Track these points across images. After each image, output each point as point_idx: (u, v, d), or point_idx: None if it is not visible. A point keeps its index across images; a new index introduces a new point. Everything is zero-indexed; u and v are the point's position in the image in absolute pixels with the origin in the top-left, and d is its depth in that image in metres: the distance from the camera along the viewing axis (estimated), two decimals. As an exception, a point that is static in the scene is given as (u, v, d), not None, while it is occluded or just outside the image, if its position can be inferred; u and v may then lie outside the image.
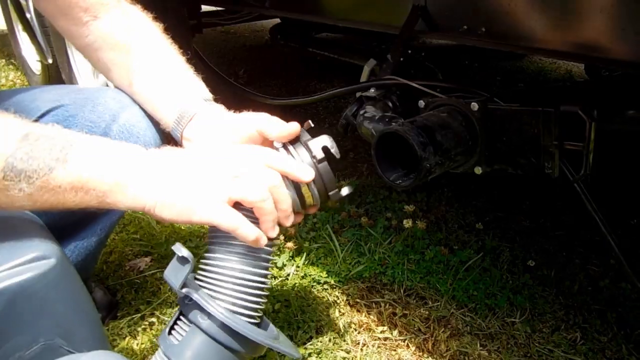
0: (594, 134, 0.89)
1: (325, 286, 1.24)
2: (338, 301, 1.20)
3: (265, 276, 0.77)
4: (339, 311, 1.17)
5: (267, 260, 0.77)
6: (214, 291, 0.74)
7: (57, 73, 1.98)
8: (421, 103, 1.07)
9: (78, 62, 1.93)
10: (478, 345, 1.10)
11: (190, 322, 0.73)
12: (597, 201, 0.99)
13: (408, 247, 1.34)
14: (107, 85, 1.53)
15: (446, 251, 1.31)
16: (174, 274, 0.71)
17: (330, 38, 1.87)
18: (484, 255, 1.33)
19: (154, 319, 1.14)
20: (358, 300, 1.20)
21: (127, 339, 1.10)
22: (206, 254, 0.76)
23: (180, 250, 0.70)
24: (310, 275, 1.26)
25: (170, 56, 0.90)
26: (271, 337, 0.78)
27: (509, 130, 0.96)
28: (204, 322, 0.72)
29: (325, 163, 0.78)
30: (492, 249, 1.36)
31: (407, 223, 1.32)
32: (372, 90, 1.15)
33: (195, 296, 0.72)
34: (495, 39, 1.02)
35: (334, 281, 1.24)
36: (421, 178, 0.93)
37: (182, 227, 1.45)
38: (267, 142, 0.79)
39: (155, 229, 1.45)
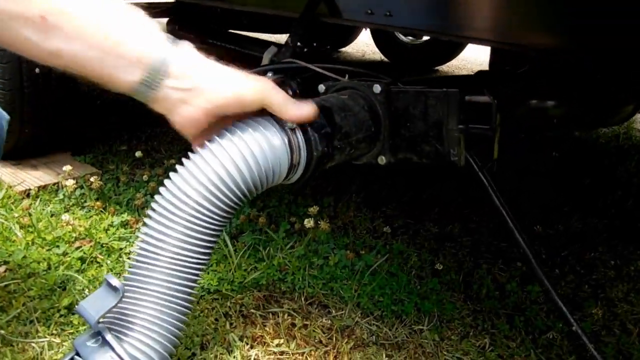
0: (499, 118, 0.84)
1: (216, 295, 1.09)
2: (230, 312, 1.05)
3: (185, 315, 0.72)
4: (230, 324, 1.02)
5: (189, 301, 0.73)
6: (125, 335, 0.67)
7: None
8: (321, 87, 0.97)
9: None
10: (384, 356, 0.99)
11: None
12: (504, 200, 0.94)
13: (311, 251, 1.23)
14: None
15: (352, 255, 1.21)
16: (93, 305, 0.64)
17: (232, 32, 1.76)
18: (391, 259, 1.24)
19: (-4, 340, 0.93)
20: (253, 310, 1.06)
21: (-42, 366, 0.88)
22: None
23: (111, 279, 0.65)
24: (198, 284, 1.10)
25: None
26: None
27: (413, 114, 0.89)
28: None
29: None
30: (399, 253, 1.28)
31: (309, 223, 1.21)
32: (269, 74, 1.04)
33: (109, 338, 0.65)
34: (400, 23, 0.96)
35: (226, 290, 1.10)
36: (312, 169, 0.82)
37: (48, 233, 1.24)
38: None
39: (17, 236, 1.23)
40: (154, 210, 0.73)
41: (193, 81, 0.66)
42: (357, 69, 1.01)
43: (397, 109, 0.90)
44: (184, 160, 0.76)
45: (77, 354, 0.67)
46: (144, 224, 0.73)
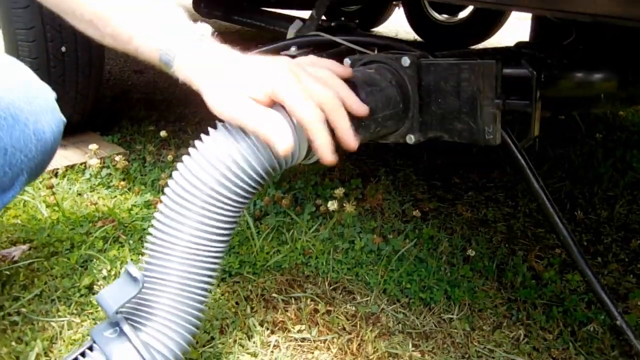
0: (539, 92, 0.77)
1: (237, 279, 1.06)
2: (251, 296, 1.02)
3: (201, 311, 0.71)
4: (251, 308, 0.99)
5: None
6: (143, 325, 0.66)
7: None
8: (346, 61, 0.91)
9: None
10: (410, 345, 0.95)
11: (106, 358, 0.64)
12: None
13: (336, 235, 1.19)
14: None
15: (379, 240, 1.16)
16: (113, 295, 0.63)
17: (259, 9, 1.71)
18: (420, 244, 1.19)
19: (18, 318, 0.93)
20: (275, 295, 1.03)
21: (-20, 342, 0.88)
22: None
23: (132, 269, 0.64)
24: (219, 266, 1.08)
25: None
26: None
27: (445, 89, 0.82)
28: None
29: None
30: (429, 238, 1.22)
31: (333, 206, 1.16)
32: (293, 49, 0.99)
33: (126, 329, 0.64)
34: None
35: (248, 273, 1.07)
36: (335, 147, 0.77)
37: (73, 213, 1.24)
38: None
39: (43, 214, 1.23)
40: (167, 196, 0.70)
41: (193, 83, 0.67)
42: (386, 41, 0.95)
43: (428, 84, 0.84)
44: (196, 142, 0.72)
45: (94, 343, 0.66)
46: (158, 210, 0.71)
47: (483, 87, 0.77)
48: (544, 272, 1.16)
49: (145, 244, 0.70)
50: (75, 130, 1.78)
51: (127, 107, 2.12)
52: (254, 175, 0.70)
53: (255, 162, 0.69)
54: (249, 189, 0.70)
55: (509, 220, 1.39)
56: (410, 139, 0.87)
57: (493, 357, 0.94)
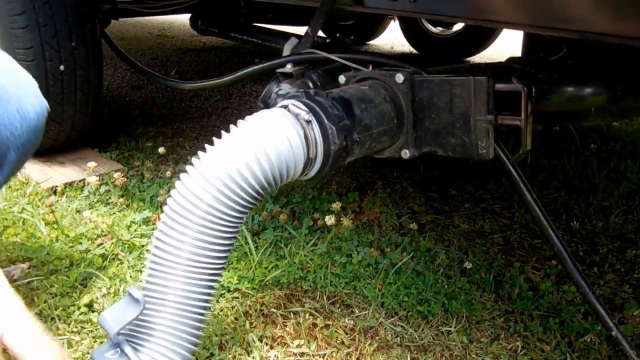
0: (530, 107, 0.78)
1: (236, 294, 1.06)
2: (249, 311, 1.02)
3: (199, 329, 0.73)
4: (250, 323, 1.00)
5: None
6: (143, 345, 0.68)
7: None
8: (342, 78, 0.93)
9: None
10: (409, 358, 0.95)
11: None
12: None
13: (334, 249, 1.19)
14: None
15: (376, 253, 1.17)
16: (115, 317, 0.66)
17: (255, 26, 1.73)
18: (417, 257, 1.19)
19: (18, 337, 0.93)
20: (273, 309, 1.03)
21: (-20, 362, 0.88)
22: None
23: (134, 291, 0.66)
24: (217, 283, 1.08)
25: None
26: None
27: (438, 105, 0.84)
28: None
29: None
30: (426, 250, 1.23)
31: (330, 220, 1.17)
32: (288, 66, 1.01)
33: (127, 350, 0.66)
34: (426, 9, 0.91)
35: (246, 288, 1.07)
36: (330, 164, 0.78)
37: (72, 230, 1.24)
38: None
39: (42, 232, 1.23)
40: (167, 215, 0.71)
41: None
42: (380, 58, 0.96)
43: (421, 100, 0.86)
44: (193, 160, 0.73)
45: None
46: (158, 230, 0.72)
47: (475, 102, 0.79)
48: (541, 283, 1.16)
49: (146, 263, 0.71)
50: (73, 147, 1.79)
51: (125, 123, 2.13)
52: (250, 190, 0.71)
53: (251, 177, 0.70)
54: (246, 204, 0.72)
55: (505, 232, 1.40)
56: (405, 153, 0.89)
57: (491, 370, 0.95)
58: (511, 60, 0.99)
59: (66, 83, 1.64)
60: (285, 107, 0.77)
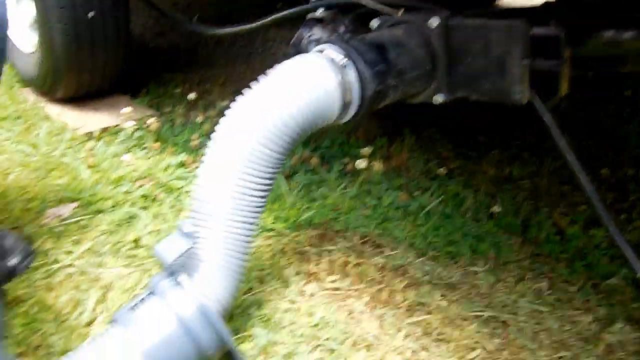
0: (567, 52, 0.78)
1: (272, 233, 1.12)
2: (285, 249, 1.08)
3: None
4: (286, 260, 1.05)
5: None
6: (194, 275, 0.72)
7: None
8: (374, 23, 0.93)
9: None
10: (438, 295, 1.00)
11: (165, 304, 0.70)
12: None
13: (364, 192, 1.23)
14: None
15: (406, 196, 1.20)
16: (169, 249, 0.71)
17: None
18: (446, 201, 1.22)
19: (73, 270, 1.00)
20: (307, 248, 1.08)
21: (41, 291, 0.96)
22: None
23: (185, 225, 0.71)
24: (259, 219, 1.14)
25: None
26: None
27: (473, 50, 0.84)
28: (185, 310, 0.69)
29: None
30: (454, 195, 1.26)
31: (362, 164, 1.20)
32: (320, 11, 1.01)
33: (182, 278, 0.71)
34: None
35: (282, 228, 1.12)
36: (364, 108, 0.80)
37: (112, 173, 1.30)
38: None
39: (84, 175, 1.29)
40: (208, 155, 0.75)
41: None
42: (412, 2, 0.95)
43: (456, 44, 0.86)
44: (233, 104, 0.76)
45: (153, 291, 0.72)
46: (200, 169, 0.75)
47: (512, 47, 0.79)
48: (568, 228, 1.19)
49: (191, 200, 0.75)
50: (105, 94, 1.83)
51: (153, 70, 2.15)
52: (289, 133, 0.74)
53: (290, 120, 0.73)
54: (285, 146, 0.75)
55: (533, 178, 1.41)
56: (438, 98, 0.90)
57: (517, 307, 0.99)
58: (548, 4, 0.97)
59: (96, 30, 1.65)
60: (321, 52, 0.79)
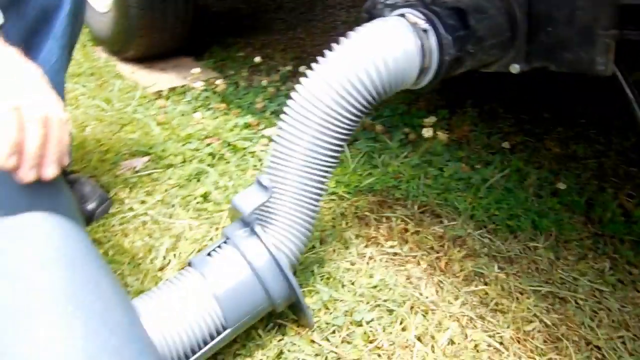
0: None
1: (333, 197, 1.14)
2: (346, 213, 1.10)
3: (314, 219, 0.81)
4: (347, 223, 1.08)
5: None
6: (268, 227, 0.76)
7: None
8: (455, -13, 0.91)
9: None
10: (496, 267, 1.00)
11: (239, 252, 0.73)
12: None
13: (425, 162, 1.23)
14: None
15: (467, 169, 1.19)
16: (247, 200, 0.73)
17: None
18: (508, 175, 1.21)
19: (147, 218, 1.07)
20: (367, 213, 1.11)
21: (117, 236, 1.03)
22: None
23: (263, 179, 0.73)
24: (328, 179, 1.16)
25: None
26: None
27: (557, 18, 0.82)
28: (257, 258, 0.73)
29: None
30: (517, 170, 1.24)
31: (427, 132, 1.20)
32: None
33: (257, 229, 0.73)
34: None
35: (343, 192, 1.15)
36: (443, 72, 0.80)
37: (181, 130, 1.35)
38: None
39: (155, 131, 1.36)
40: (286, 114, 0.77)
41: None
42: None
43: (538, 12, 0.84)
44: (314, 64, 0.77)
45: (228, 239, 0.76)
46: (278, 127, 0.78)
47: (599, 17, 0.76)
48: (635, 210, 1.15)
49: (268, 157, 0.78)
50: (173, 55, 1.89)
51: (216, 34, 2.19)
52: (366, 95, 0.75)
53: (368, 82, 0.74)
54: (361, 108, 0.76)
55: (599, 158, 1.37)
56: (515, 68, 0.88)
57: (577, 285, 0.98)
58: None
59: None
60: (402, 16, 0.78)
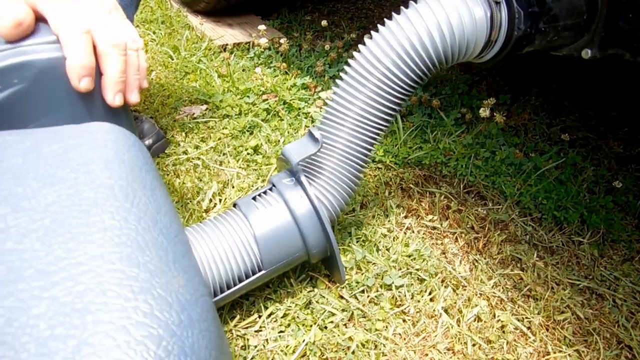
0: None
1: (380, 165, 1.15)
2: (390, 183, 1.11)
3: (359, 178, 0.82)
4: (389, 192, 1.09)
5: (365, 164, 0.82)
6: (313, 180, 0.79)
7: None
8: (534, -37, 0.88)
9: None
10: (535, 255, 0.99)
11: (283, 199, 0.76)
12: None
13: (478, 143, 1.21)
14: None
15: (521, 155, 1.17)
16: (297, 150, 0.75)
17: None
18: (563, 167, 1.18)
19: (199, 162, 1.11)
20: (412, 185, 1.11)
21: (169, 175, 1.08)
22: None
23: (314, 131, 0.75)
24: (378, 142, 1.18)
25: None
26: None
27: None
28: (300, 209, 0.75)
29: None
30: (574, 164, 1.20)
31: (484, 112, 1.18)
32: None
33: (302, 179, 0.75)
34: None
35: (390, 162, 1.15)
36: (509, 50, 0.78)
37: (241, 84, 1.39)
38: None
39: (216, 82, 1.40)
40: (346, 72, 0.78)
41: None
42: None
43: (621, -4, 0.80)
44: (379, 26, 0.77)
45: (271, 188, 0.79)
46: (335, 84, 0.79)
47: (687, 4, 0.72)
48: (694, 220, 1.10)
49: (322, 112, 0.80)
50: (240, 12, 1.92)
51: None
52: (427, 60, 0.74)
53: (431, 46, 0.73)
54: (420, 74, 0.76)
55: (664, 163, 1.31)
56: (587, 53, 0.85)
57: (617, 285, 0.96)
58: None
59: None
60: (475, -16, 0.77)
